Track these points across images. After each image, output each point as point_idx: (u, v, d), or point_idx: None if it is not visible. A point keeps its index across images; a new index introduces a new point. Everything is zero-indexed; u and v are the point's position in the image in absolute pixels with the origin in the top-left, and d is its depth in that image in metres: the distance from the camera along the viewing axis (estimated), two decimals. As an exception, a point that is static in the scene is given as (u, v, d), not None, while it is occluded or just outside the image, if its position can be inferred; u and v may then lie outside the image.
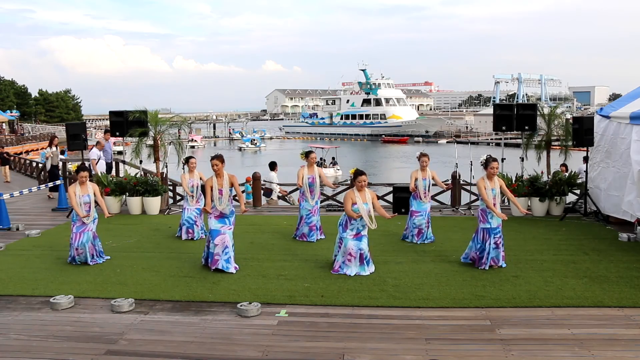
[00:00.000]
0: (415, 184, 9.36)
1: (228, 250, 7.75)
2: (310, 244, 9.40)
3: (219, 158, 7.82)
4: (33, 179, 22.35)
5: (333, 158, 43.30)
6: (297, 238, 9.72)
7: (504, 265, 7.75)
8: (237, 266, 7.85)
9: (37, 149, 42.66)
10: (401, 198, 11.95)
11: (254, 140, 67.13)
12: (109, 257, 8.52)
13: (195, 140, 68.54)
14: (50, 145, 14.36)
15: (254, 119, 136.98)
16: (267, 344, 5.34)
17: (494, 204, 7.72)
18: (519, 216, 11.62)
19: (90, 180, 8.52)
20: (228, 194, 7.75)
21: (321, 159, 42.45)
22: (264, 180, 14.07)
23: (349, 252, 7.54)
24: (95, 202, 8.35)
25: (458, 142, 52.24)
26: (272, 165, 14.66)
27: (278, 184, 14.29)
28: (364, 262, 7.59)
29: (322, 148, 44.96)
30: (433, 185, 9.61)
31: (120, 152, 21.94)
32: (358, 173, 7.71)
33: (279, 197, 14.43)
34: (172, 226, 10.93)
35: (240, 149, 64.45)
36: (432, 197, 11.85)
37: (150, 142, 13.41)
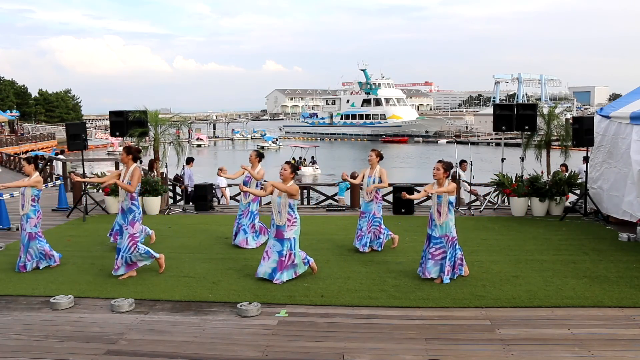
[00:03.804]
0: (362, 182, 9.01)
1: (124, 254, 7.43)
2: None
3: (124, 149, 7.56)
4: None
5: (312, 157, 43.43)
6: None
7: (447, 281, 6.99)
8: (143, 262, 7.61)
9: (36, 149, 42.65)
10: (401, 198, 11.92)
11: (276, 139, 68.12)
12: (52, 264, 8.08)
13: (202, 139, 69.13)
14: (150, 170, 13.79)
15: (254, 119, 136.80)
16: (267, 344, 5.34)
17: (438, 211, 7.15)
18: (519, 216, 11.66)
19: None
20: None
21: (300, 157, 42.82)
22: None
23: (265, 250, 7.41)
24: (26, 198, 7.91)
25: (458, 142, 52.27)
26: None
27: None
28: (291, 265, 7.21)
29: (302, 147, 45.25)
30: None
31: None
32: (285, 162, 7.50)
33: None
34: (172, 226, 10.93)
35: (262, 147, 64.93)
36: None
37: (148, 142, 13.38)
